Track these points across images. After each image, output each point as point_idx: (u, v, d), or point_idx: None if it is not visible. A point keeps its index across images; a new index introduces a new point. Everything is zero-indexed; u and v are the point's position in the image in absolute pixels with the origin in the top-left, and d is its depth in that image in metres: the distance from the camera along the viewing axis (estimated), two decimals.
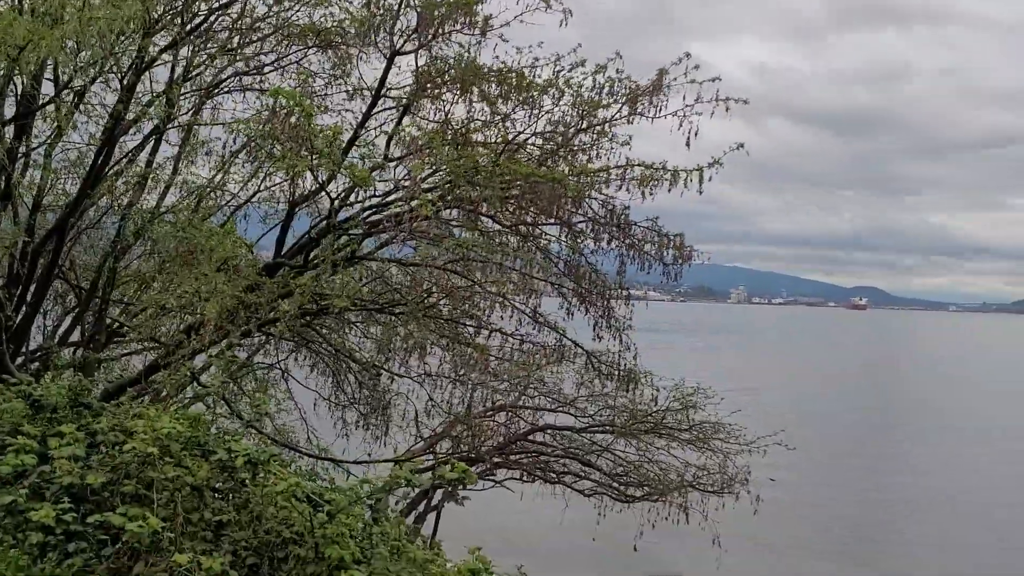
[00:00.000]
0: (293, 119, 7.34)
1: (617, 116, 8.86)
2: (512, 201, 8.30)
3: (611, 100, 8.61)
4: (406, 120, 9.10)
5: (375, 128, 9.33)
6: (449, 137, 8.47)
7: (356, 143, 8.70)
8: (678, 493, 13.44)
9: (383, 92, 9.74)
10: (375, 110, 9.43)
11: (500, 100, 8.57)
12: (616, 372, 10.68)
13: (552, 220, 8.72)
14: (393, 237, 8.03)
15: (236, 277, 7.82)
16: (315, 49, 10.14)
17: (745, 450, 14.44)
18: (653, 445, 14.44)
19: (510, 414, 14.80)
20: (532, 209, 8.47)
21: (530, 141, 8.96)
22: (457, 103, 8.74)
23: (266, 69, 10.51)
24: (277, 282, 8.44)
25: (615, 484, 14.46)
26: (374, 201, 8.72)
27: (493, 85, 8.51)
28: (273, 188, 11.10)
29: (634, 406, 13.94)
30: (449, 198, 8.09)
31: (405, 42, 9.47)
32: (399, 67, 9.49)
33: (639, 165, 8.49)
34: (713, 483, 13.82)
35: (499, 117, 8.77)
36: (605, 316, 9.99)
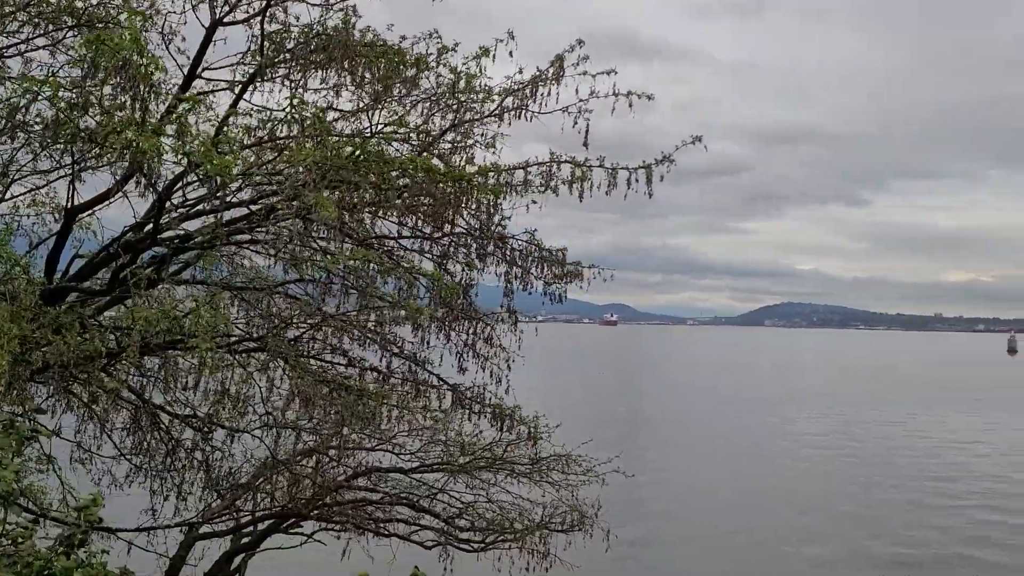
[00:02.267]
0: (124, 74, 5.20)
1: (502, 109, 7.47)
2: (398, 206, 6.61)
3: (507, 88, 7.21)
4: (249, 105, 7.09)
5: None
6: (312, 123, 6.57)
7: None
8: (536, 535, 12.09)
9: (198, 72, 7.62)
10: (223, 91, 7.31)
11: (372, 82, 6.87)
12: (483, 408, 9.20)
13: (438, 231, 7.14)
14: (278, 250, 6.01)
15: (19, 309, 5.43)
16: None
17: (584, 482, 13.48)
18: (495, 484, 13.08)
19: (322, 458, 12.77)
20: (416, 217, 6.84)
21: (404, 133, 7.32)
22: (316, 82, 6.89)
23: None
24: (58, 315, 6.07)
25: (455, 532, 12.90)
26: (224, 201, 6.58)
27: (362, 63, 6.77)
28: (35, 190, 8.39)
29: (463, 440, 12.54)
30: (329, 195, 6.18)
31: (232, 9, 7.45)
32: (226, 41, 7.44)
33: (568, 162, 7.17)
34: (563, 521, 12.70)
35: (370, 101, 7.04)
36: (471, 344, 8.54)
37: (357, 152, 6.44)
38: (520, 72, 7.52)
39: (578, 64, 7.61)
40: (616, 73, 7.51)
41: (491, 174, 7.05)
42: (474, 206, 6.79)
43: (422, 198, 6.53)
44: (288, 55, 6.93)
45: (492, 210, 6.96)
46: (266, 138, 6.95)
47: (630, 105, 7.38)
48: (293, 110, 6.59)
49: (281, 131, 7.21)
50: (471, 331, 8.38)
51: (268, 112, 7.08)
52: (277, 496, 12.71)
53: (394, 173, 6.38)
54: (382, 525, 13.24)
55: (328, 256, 6.22)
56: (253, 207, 6.56)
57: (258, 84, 7.10)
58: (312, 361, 7.60)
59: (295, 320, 7.11)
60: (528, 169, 7.25)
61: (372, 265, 6.43)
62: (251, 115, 7.14)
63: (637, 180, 7.23)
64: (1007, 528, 29.93)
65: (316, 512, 12.97)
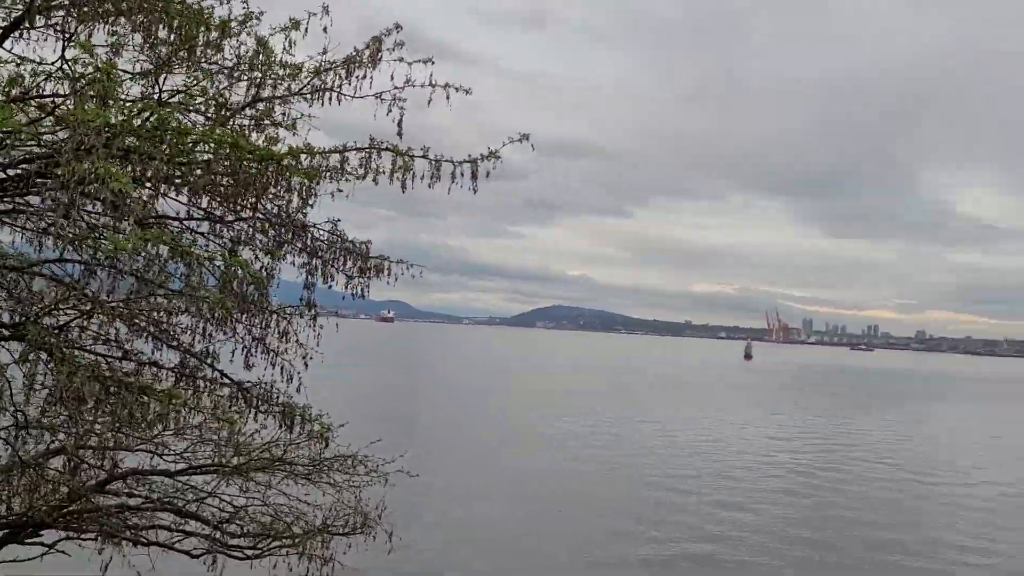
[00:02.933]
0: None
1: (312, 88, 6.93)
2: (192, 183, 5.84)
3: (318, 67, 6.66)
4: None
5: None
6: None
7: None
8: (316, 539, 11.49)
9: None
10: None
11: (167, 43, 6.05)
12: (271, 407, 8.59)
13: (233, 214, 6.45)
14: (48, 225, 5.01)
15: None
16: None
17: (368, 483, 13.03)
18: (272, 486, 12.31)
19: (72, 460, 11.36)
20: (211, 197, 6.11)
21: (201, 103, 6.54)
22: (100, 36, 5.94)
23: None
24: None
25: (225, 538, 11.96)
26: None
27: (157, 18, 5.91)
28: None
29: (237, 440, 11.69)
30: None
31: None
32: None
33: (389, 149, 6.69)
34: (346, 524, 12.18)
35: (162, 64, 6.19)
36: (260, 339, 7.93)
37: (152, 117, 5.66)
38: (324, 53, 7.02)
39: (394, 49, 7.26)
40: (434, 63, 7.25)
41: (304, 156, 6.50)
42: (283, 190, 6.23)
43: (222, 177, 5.86)
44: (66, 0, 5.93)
45: (306, 195, 6.42)
46: (31, 95, 5.90)
47: (447, 97, 7.16)
48: (68, 65, 5.66)
49: (49, 89, 6.20)
50: (263, 324, 7.74)
51: (35, 65, 6.03)
52: (15, 503, 11.15)
53: (194, 146, 5.66)
54: (141, 533, 12.03)
55: (109, 235, 5.36)
56: (10, 171, 5.54)
57: (25, 31, 6.03)
58: (82, 353, 6.60)
59: (60, 306, 6.12)
60: (345, 154, 6.78)
61: (160, 248, 5.64)
62: (13, 66, 6.04)
63: (462, 174, 7.01)
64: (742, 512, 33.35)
65: (61, 520, 11.56)
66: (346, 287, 7.87)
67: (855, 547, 29.88)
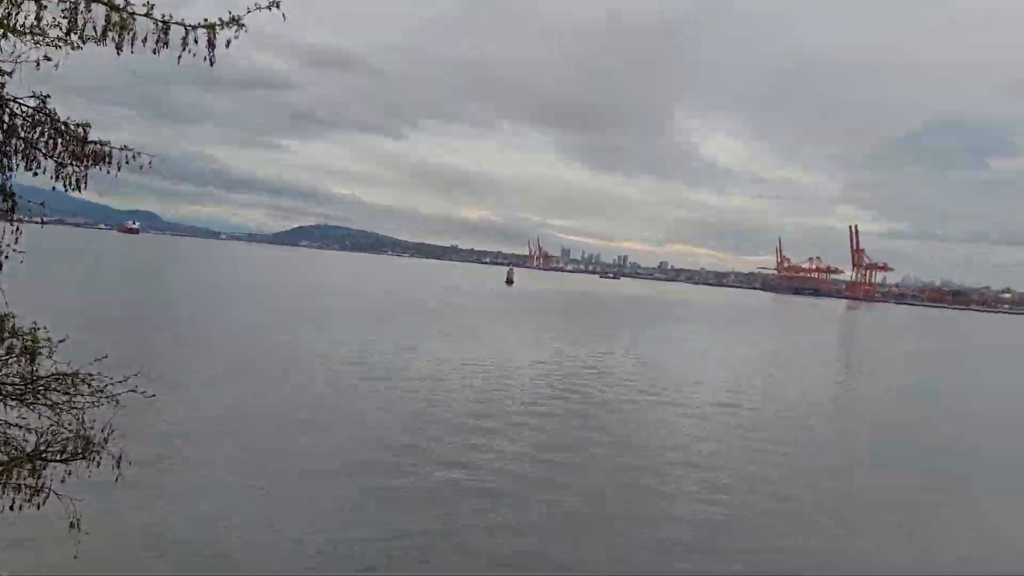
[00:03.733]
0: None
1: None
2: None
3: None
4: None
5: None
6: None
7: None
8: (24, 468, 10.13)
9: None
10: None
11: None
12: None
13: None
14: None
15: None
16: None
17: (93, 404, 11.71)
18: None
19: None
20: None
21: None
22: None
23: None
24: None
25: None
26: None
27: None
28: None
29: None
30: None
31: None
32: None
33: (101, 2, 5.42)
34: (64, 449, 10.85)
35: None
36: None
37: None
38: None
39: None
40: None
41: None
42: None
43: None
44: None
45: None
46: None
47: None
48: None
49: None
50: None
51: None
52: None
53: None
54: None
55: None
56: None
57: None
58: None
59: None
60: (42, 2, 5.50)
61: None
62: None
63: (196, 41, 5.95)
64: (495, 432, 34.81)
65: None
66: (56, 176, 6.68)
67: (597, 465, 32.28)
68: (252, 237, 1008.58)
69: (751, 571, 21.60)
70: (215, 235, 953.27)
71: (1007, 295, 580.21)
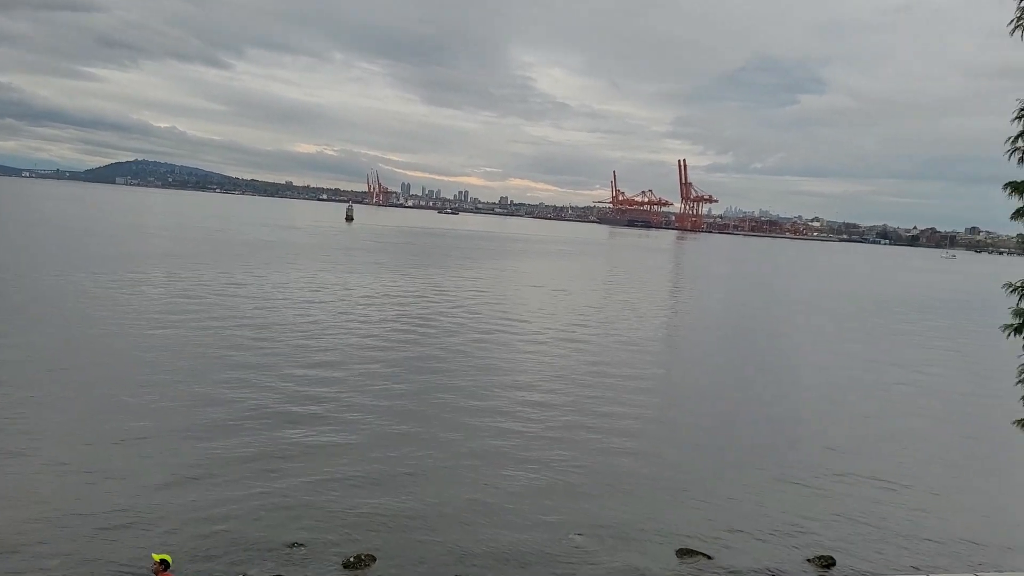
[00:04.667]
0: None
1: None
2: None
3: None
4: None
5: None
6: None
7: None
8: None
9: None
10: None
11: None
12: None
13: None
14: None
15: None
16: None
17: None
18: None
19: None
20: None
21: None
22: None
23: None
24: None
25: None
26: None
27: None
28: None
29: None
30: None
31: None
32: None
33: None
34: None
35: None
36: None
37: None
38: None
39: None
40: None
41: None
42: None
43: None
44: None
45: None
46: None
47: None
48: None
49: None
50: None
51: None
52: None
53: None
54: None
55: None
56: None
57: None
58: None
59: None
60: None
61: None
62: None
63: None
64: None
65: None
66: None
67: (435, 395, 32.07)
68: (60, 174, 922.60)
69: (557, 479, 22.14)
70: (16, 172, 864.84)
71: (816, 223, 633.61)
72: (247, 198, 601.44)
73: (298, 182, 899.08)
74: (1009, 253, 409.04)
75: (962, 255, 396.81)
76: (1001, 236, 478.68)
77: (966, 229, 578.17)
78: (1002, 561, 19.37)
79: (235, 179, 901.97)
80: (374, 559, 16.99)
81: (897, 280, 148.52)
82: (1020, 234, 16.31)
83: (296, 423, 26.10)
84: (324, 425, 26.13)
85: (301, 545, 17.35)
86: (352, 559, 16.88)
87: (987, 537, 21.15)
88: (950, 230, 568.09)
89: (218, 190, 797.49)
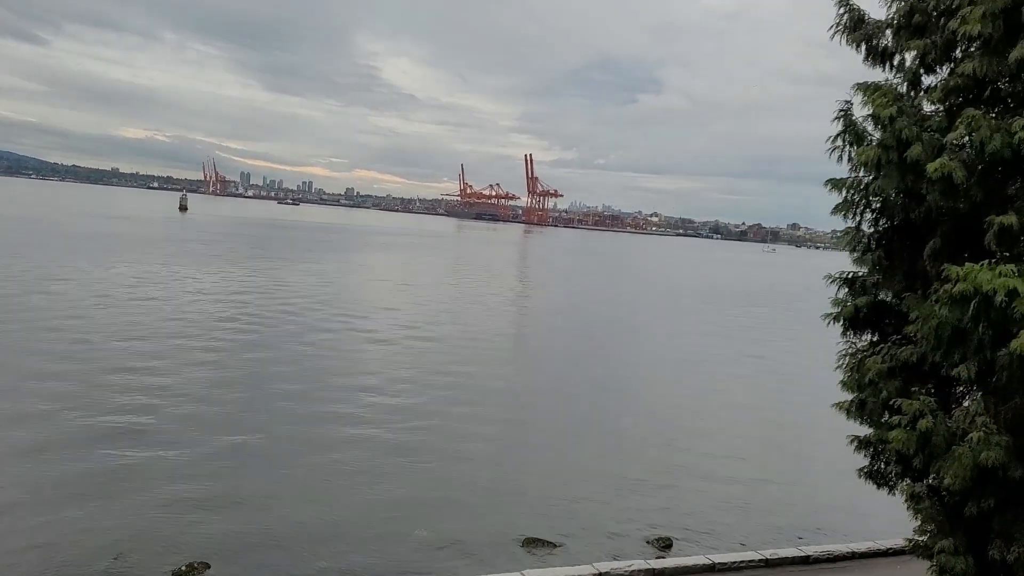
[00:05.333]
0: None
1: None
2: None
3: None
4: None
5: None
6: None
7: None
8: None
9: None
10: None
11: None
12: None
13: None
14: None
15: None
16: None
17: None
18: None
19: None
20: None
21: None
22: None
23: None
24: None
25: None
26: None
27: None
28: None
29: None
30: None
31: None
32: None
33: None
34: None
35: None
36: None
37: None
38: None
39: None
40: None
41: None
42: None
43: None
44: None
45: None
46: None
47: None
48: None
49: None
50: None
51: None
52: None
53: None
54: None
55: None
56: None
57: None
58: None
59: None
60: None
61: None
62: None
63: None
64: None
65: None
66: None
67: (274, 403, 30.91)
68: None
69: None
70: None
71: (655, 218, 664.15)
72: (67, 185, 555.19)
73: (126, 169, 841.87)
74: (825, 248, 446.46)
75: (783, 249, 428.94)
76: (818, 232, 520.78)
77: (788, 225, 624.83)
78: (821, 537, 20.88)
79: (54, 164, 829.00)
80: (208, 566, 16.16)
81: (723, 273, 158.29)
82: (834, 230, 17.61)
83: (117, 438, 23.68)
84: (148, 439, 23.90)
85: (125, 561, 16.14)
86: (184, 568, 15.96)
87: (806, 513, 22.82)
88: (774, 226, 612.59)
89: (34, 176, 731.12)
